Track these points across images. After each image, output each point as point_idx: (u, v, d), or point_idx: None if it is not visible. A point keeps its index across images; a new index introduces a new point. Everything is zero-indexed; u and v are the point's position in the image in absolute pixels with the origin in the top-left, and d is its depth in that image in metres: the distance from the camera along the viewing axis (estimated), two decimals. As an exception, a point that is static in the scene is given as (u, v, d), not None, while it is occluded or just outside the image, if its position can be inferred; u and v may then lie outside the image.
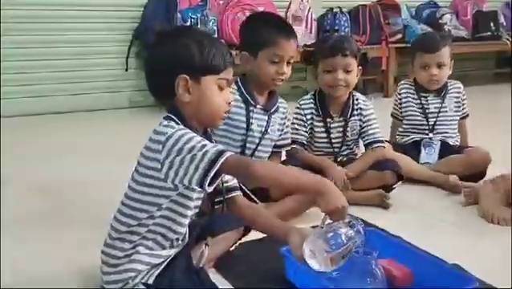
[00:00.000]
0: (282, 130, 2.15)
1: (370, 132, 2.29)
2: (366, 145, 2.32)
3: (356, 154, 2.36)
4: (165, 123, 1.36)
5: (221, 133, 2.01)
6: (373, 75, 4.77)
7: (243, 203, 1.54)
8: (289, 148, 2.26)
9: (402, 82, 2.71)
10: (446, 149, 2.53)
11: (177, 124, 1.36)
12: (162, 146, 1.29)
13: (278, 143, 2.16)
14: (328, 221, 1.31)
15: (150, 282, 1.33)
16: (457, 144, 2.60)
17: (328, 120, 2.29)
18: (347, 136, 2.29)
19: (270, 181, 1.36)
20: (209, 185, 1.26)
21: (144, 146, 1.35)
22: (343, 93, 2.25)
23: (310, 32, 4.42)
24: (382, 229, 1.85)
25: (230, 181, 1.53)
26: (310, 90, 2.47)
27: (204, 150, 1.26)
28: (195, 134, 1.32)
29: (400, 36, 4.74)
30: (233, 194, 1.53)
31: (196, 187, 1.29)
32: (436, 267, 1.51)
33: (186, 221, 1.41)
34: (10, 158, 2.78)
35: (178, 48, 1.38)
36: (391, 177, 2.21)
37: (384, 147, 2.32)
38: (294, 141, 2.27)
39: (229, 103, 1.45)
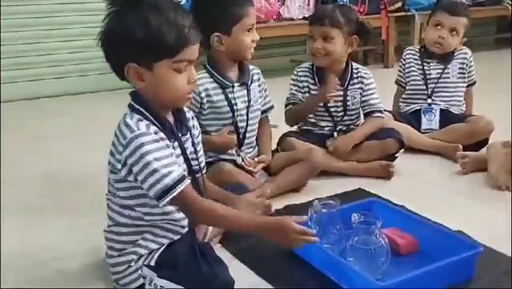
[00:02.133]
0: (262, 95, 2.12)
1: (371, 101, 2.28)
2: (365, 114, 2.32)
3: (358, 125, 2.34)
4: (128, 119, 1.28)
5: (208, 122, 1.97)
6: (373, 45, 4.71)
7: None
8: (286, 108, 2.27)
9: (407, 48, 2.69)
10: (449, 118, 2.51)
11: (141, 115, 1.29)
12: (123, 148, 1.26)
13: (262, 108, 2.12)
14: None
15: (152, 263, 1.33)
16: (462, 112, 2.58)
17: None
18: (348, 106, 2.28)
19: (209, 224, 1.47)
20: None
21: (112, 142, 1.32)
22: (323, 62, 2.23)
23: (308, 4, 4.34)
24: (385, 199, 1.86)
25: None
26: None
27: (154, 179, 1.24)
28: (153, 145, 1.25)
29: (399, 5, 4.67)
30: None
31: None
32: (441, 234, 1.51)
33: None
34: (12, 143, 2.79)
35: (124, 31, 1.23)
36: (393, 145, 2.21)
37: (383, 117, 2.31)
38: (292, 103, 2.27)
39: (195, 81, 1.33)
